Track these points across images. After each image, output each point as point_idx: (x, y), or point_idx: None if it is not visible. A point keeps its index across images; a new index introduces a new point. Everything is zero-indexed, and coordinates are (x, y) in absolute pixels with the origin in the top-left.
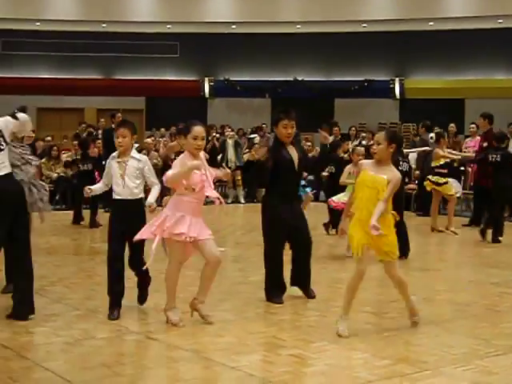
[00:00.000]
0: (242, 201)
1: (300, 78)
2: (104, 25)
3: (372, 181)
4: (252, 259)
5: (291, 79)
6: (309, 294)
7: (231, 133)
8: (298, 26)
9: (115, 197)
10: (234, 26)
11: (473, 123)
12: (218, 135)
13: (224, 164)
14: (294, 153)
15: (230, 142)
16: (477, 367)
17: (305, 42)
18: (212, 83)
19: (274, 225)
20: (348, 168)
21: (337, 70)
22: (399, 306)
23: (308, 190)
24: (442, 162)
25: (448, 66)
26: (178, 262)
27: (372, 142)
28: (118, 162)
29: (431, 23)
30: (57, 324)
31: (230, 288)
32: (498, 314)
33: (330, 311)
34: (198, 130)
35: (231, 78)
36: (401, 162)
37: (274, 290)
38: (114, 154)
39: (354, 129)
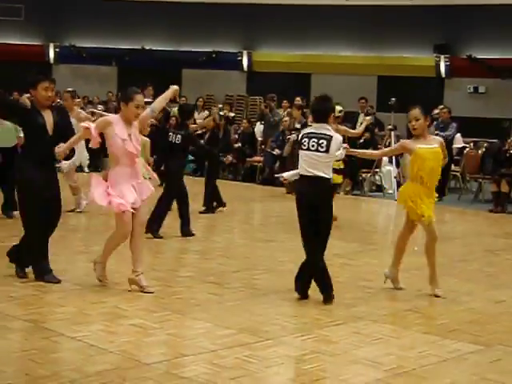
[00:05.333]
0: None
1: (148, 47)
2: None
3: None
4: (93, 229)
5: (139, 48)
6: None
7: (77, 100)
8: None
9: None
10: None
11: None
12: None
13: None
14: (49, 118)
15: (75, 109)
16: (317, 336)
17: (154, 11)
18: (57, 49)
19: (27, 191)
20: None
21: (185, 40)
22: (242, 276)
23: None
24: None
25: (295, 41)
26: None
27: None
28: None
29: None
30: None
31: (71, 257)
32: (339, 284)
33: (174, 281)
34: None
35: (77, 45)
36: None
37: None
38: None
39: (201, 100)
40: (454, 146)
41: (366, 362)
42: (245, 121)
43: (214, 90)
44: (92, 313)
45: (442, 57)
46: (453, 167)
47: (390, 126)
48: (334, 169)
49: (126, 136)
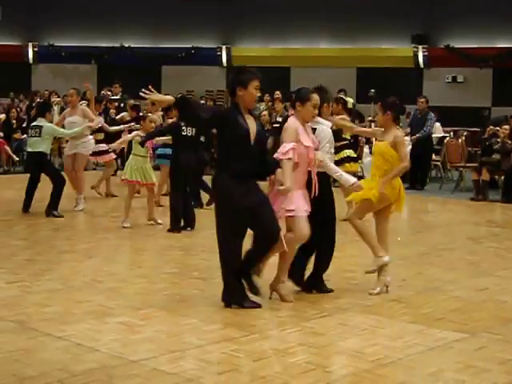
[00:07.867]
0: None
1: (127, 45)
2: None
3: None
4: (79, 228)
5: (118, 45)
6: None
7: (57, 99)
8: None
9: None
10: None
11: None
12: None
13: None
14: (252, 123)
15: (56, 108)
16: (303, 329)
17: (131, 8)
18: (36, 48)
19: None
20: None
21: (164, 37)
22: None
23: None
24: None
25: (273, 35)
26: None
27: None
28: None
29: None
30: None
31: (56, 257)
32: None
33: (159, 277)
34: None
35: (56, 44)
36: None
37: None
38: None
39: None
40: (434, 135)
41: (352, 353)
42: None
43: (194, 86)
44: (78, 312)
45: (420, 47)
46: (433, 157)
47: (370, 118)
48: None
49: (309, 142)
